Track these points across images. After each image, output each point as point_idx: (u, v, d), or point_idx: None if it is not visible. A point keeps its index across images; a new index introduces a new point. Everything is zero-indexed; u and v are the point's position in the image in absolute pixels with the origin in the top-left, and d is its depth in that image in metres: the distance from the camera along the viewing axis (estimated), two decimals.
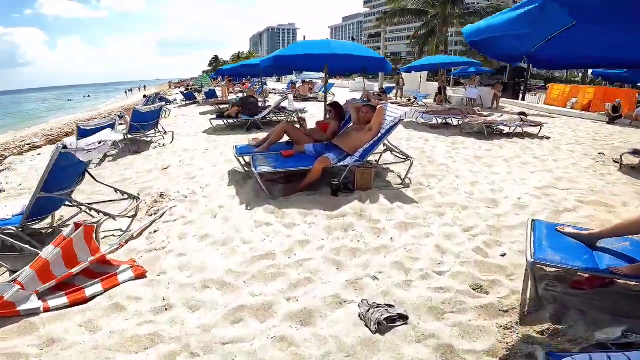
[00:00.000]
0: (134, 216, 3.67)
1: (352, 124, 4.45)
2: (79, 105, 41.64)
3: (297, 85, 15.97)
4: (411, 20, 21.55)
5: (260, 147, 4.41)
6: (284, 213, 3.42)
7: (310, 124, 5.33)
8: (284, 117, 8.48)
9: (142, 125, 6.41)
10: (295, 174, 4.09)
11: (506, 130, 7.61)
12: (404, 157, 4.31)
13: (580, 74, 50.04)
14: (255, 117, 7.85)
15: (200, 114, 11.85)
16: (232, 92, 16.97)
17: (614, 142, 7.45)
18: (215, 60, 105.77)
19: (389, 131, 3.90)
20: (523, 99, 19.13)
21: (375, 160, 4.90)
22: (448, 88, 16.50)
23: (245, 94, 12.00)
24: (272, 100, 9.93)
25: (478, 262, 2.63)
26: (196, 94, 16.26)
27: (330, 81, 18.68)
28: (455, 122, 8.49)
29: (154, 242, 3.14)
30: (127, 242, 3.14)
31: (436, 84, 19.90)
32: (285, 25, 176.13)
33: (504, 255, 2.74)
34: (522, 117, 7.67)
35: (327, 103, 4.94)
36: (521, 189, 4.01)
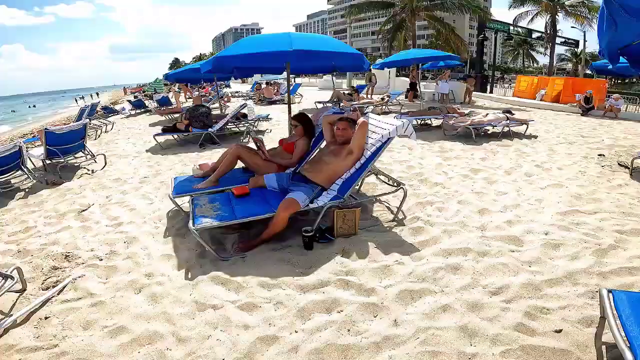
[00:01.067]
0: (21, 290, 2.50)
1: (324, 143, 3.47)
2: (15, 117, 37.12)
3: (262, 87, 14.76)
4: (376, 15, 20.89)
5: (205, 181, 3.32)
6: (239, 285, 2.39)
7: (277, 133, 4.29)
8: (245, 128, 7.33)
9: (62, 149, 5.07)
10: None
11: (491, 129, 6.96)
12: (395, 185, 3.39)
13: (539, 64, 52.05)
14: (210, 129, 6.68)
15: (151, 125, 10.40)
16: (190, 98, 15.45)
17: (602, 137, 7.01)
18: (176, 62, 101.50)
19: (375, 154, 2.95)
20: (491, 92, 19.08)
21: (357, 186, 3.96)
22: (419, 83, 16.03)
23: (203, 101, 10.67)
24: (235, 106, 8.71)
25: (525, 347, 1.79)
26: (149, 101, 14.64)
27: (296, 81, 17.60)
28: (435, 122, 7.79)
29: (41, 335, 2.05)
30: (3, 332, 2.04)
31: (405, 79, 19.42)
32: (248, 24, 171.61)
33: (559, 331, 1.90)
34: (508, 115, 7.04)
35: (292, 115, 3.92)
36: (542, 217, 3.20)
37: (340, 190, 2.97)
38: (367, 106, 9.88)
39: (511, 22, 20.96)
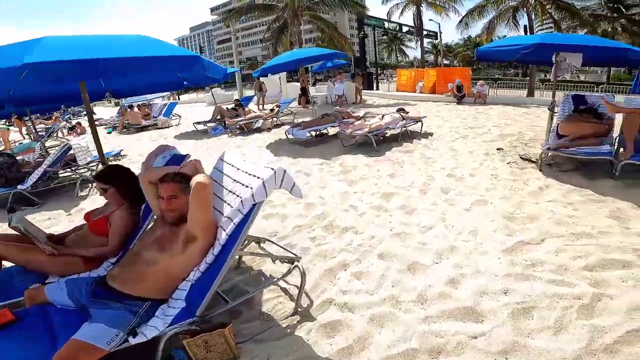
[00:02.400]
0: None
1: (155, 220, 2.03)
2: None
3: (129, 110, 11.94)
4: (264, 22, 19.73)
5: None
6: None
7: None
8: (77, 176, 5.17)
9: None
10: None
11: (389, 132, 6.41)
12: (288, 260, 2.16)
13: (410, 58, 57.79)
14: (20, 186, 4.46)
15: None
16: (26, 135, 11.62)
17: (486, 125, 7.16)
18: None
19: (237, 236, 1.66)
20: (377, 88, 19.85)
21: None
22: (310, 87, 15.49)
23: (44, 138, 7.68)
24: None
25: None
26: None
27: (171, 100, 15.23)
28: (332, 130, 6.95)
29: None
30: None
31: (298, 85, 18.78)
32: None
33: None
34: (402, 114, 6.59)
35: (96, 174, 2.31)
36: (488, 262, 2.34)
37: (190, 299, 1.59)
38: (256, 120, 8.57)
39: (385, 17, 22.27)
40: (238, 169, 1.89)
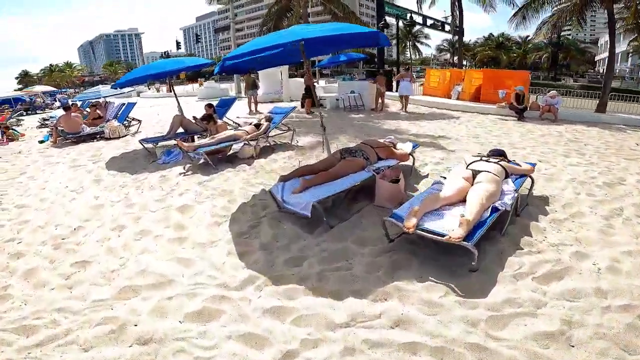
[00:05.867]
0: None
1: None
2: None
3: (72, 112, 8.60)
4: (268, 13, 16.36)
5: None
6: None
7: None
8: None
9: None
10: None
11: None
12: None
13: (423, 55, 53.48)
14: None
15: None
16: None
17: (627, 179, 3.97)
18: (25, 75, 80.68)
19: None
20: (397, 90, 16.51)
21: None
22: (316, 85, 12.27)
23: None
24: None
25: None
26: None
27: (135, 101, 12.07)
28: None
29: None
30: None
31: (302, 82, 15.48)
32: (124, 30, 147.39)
33: None
34: (504, 163, 3.38)
35: None
36: None
37: None
38: (231, 142, 5.39)
39: (409, 8, 18.79)
40: None
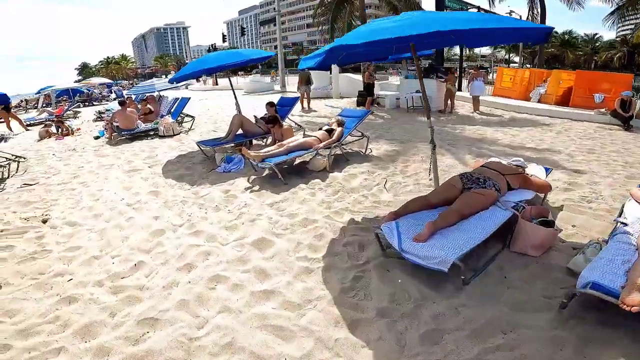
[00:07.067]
0: None
1: None
2: None
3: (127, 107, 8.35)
4: (311, 7, 15.58)
5: None
6: None
7: None
8: None
9: None
10: None
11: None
12: None
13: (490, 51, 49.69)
14: None
15: None
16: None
17: None
18: (84, 67, 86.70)
19: None
20: (460, 89, 15.03)
21: None
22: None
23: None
24: None
25: None
26: None
27: (183, 94, 11.75)
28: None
29: None
30: None
31: (353, 77, 14.50)
32: (173, 24, 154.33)
33: None
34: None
35: None
36: None
37: None
38: (303, 152, 4.64)
39: (471, 3, 17.06)
40: None
